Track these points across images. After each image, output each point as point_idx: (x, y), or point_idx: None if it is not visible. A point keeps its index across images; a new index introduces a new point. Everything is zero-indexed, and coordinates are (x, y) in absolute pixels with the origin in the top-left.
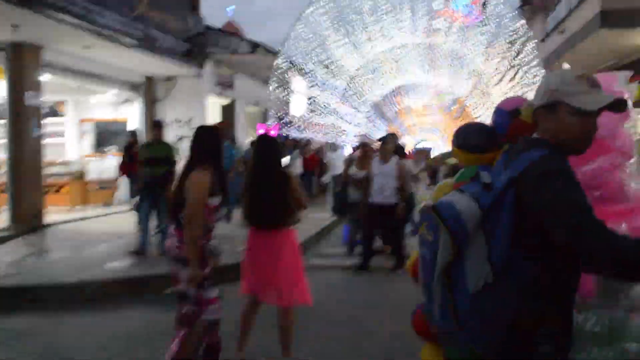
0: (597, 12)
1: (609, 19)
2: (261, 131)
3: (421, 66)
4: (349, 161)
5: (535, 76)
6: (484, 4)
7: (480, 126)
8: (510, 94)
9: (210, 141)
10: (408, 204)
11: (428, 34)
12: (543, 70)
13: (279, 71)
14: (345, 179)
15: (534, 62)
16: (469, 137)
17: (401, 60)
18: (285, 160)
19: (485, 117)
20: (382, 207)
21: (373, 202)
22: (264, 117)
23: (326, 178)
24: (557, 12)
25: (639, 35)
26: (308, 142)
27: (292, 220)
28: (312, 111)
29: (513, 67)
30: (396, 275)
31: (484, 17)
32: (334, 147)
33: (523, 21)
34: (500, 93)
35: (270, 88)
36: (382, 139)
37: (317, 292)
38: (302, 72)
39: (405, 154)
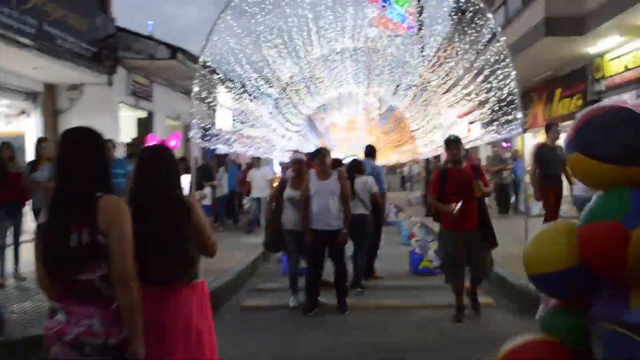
0: (541, 19)
1: (554, 26)
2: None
3: (356, 76)
4: (282, 182)
5: (504, 78)
6: (419, 12)
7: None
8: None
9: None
10: (377, 216)
11: (366, 41)
12: (514, 73)
13: (202, 72)
14: (276, 202)
15: (504, 62)
16: (613, 136)
17: (337, 68)
18: (185, 181)
19: (426, 130)
20: (324, 235)
21: (314, 228)
22: (187, 133)
23: (246, 201)
24: (496, 19)
25: (583, 43)
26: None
27: (191, 273)
28: (242, 122)
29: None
30: (346, 317)
31: (418, 25)
32: (257, 163)
33: (489, 14)
34: (451, 101)
35: (193, 92)
36: (317, 152)
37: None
38: (230, 76)
39: (362, 171)
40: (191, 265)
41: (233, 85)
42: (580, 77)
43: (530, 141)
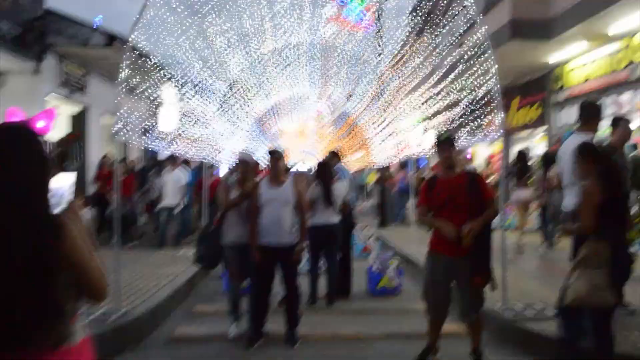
0: (507, 21)
1: (519, 28)
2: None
3: (311, 75)
4: (226, 186)
5: (482, 75)
6: (379, 15)
7: None
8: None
9: None
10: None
11: (322, 37)
12: (495, 67)
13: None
14: (226, 209)
15: (482, 56)
16: None
17: (291, 65)
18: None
19: (381, 137)
20: (274, 252)
21: (264, 244)
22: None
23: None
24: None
25: (547, 49)
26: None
27: (61, 333)
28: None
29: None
30: (296, 351)
31: (378, 24)
32: (171, 165)
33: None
34: (414, 104)
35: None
36: (271, 153)
37: None
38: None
39: (332, 177)
40: (60, 319)
41: (171, 75)
42: (540, 86)
43: (483, 151)
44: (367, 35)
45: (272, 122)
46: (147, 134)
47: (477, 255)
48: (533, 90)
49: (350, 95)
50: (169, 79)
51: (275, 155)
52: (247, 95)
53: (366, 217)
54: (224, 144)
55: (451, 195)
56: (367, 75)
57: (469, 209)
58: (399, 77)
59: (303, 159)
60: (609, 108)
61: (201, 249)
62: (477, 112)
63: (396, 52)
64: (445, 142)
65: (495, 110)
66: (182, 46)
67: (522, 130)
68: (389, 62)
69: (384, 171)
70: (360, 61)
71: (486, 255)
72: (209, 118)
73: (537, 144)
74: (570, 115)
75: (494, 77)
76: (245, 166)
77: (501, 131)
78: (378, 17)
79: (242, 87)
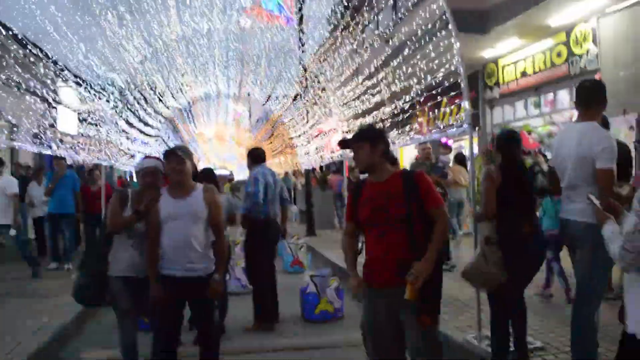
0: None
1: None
2: None
3: (226, 70)
4: (121, 199)
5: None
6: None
7: None
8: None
9: None
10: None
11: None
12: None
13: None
14: (111, 230)
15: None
16: None
17: (203, 57)
18: None
19: (308, 136)
20: (181, 287)
21: (167, 275)
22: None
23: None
24: (384, 17)
25: (482, 44)
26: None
27: None
28: (83, 120)
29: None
30: None
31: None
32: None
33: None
34: (347, 98)
35: None
36: (168, 154)
37: None
38: (45, 51)
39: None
40: None
41: (60, 67)
42: (470, 84)
43: (411, 153)
44: (288, 26)
45: (186, 124)
46: (40, 137)
47: (425, 295)
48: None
49: (270, 96)
50: (58, 74)
51: (175, 157)
52: (150, 91)
53: (293, 225)
54: (132, 148)
55: (378, 207)
56: (289, 69)
57: (408, 224)
58: (328, 70)
59: (224, 164)
60: (545, 106)
61: (81, 279)
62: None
63: (322, 43)
64: (355, 137)
65: (459, 99)
66: (59, 29)
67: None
68: (314, 54)
69: (308, 174)
70: (281, 54)
71: (437, 292)
72: (109, 118)
73: (468, 145)
74: (505, 113)
75: (456, 57)
76: (152, 176)
77: (466, 125)
78: (299, 7)
79: (144, 81)
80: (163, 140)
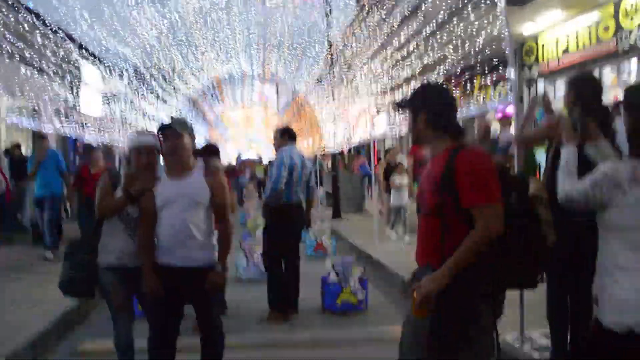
0: None
1: None
2: None
3: (247, 47)
4: (109, 180)
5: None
6: None
7: None
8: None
9: None
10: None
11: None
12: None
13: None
14: (101, 215)
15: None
16: None
17: (223, 33)
18: None
19: (336, 115)
20: (182, 275)
21: (163, 264)
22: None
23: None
24: None
25: (520, 17)
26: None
27: None
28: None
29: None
30: None
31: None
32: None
33: None
34: (377, 73)
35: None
36: (164, 128)
37: None
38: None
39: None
40: None
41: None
42: (506, 62)
43: None
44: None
45: (209, 106)
46: (62, 118)
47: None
48: (500, 66)
49: (297, 69)
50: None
51: (172, 131)
52: (168, 67)
53: (317, 208)
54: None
55: (421, 189)
56: (314, 45)
57: (441, 219)
58: (352, 45)
59: (251, 147)
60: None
61: (68, 269)
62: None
63: (348, 14)
64: (401, 102)
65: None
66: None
67: (488, 113)
68: (340, 29)
69: (335, 157)
70: (305, 28)
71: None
72: (128, 96)
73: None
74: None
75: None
76: (149, 155)
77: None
78: None
79: (160, 57)
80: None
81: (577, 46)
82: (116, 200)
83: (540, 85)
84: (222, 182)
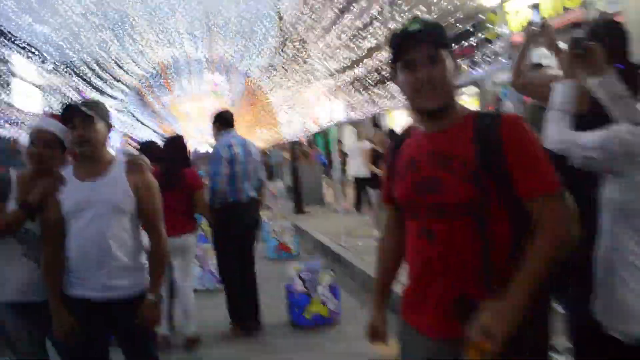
0: None
1: None
2: None
3: (191, 25)
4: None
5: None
6: None
7: None
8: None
9: None
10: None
11: None
12: None
13: None
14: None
15: None
16: None
17: (160, 10)
18: None
19: (291, 101)
20: (102, 310)
21: (75, 296)
22: None
23: None
24: None
25: None
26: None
27: None
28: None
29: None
30: None
31: None
32: None
33: None
34: (334, 45)
35: None
36: (68, 111)
37: None
38: None
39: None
40: None
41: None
42: (467, 37)
43: (401, 120)
44: None
45: (156, 97)
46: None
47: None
48: (458, 42)
49: (246, 49)
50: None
51: (80, 114)
52: (103, 54)
53: (278, 202)
54: None
55: (423, 182)
56: (264, 20)
57: (478, 221)
58: (305, 16)
59: (204, 140)
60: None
61: None
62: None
63: None
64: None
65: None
66: None
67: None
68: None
69: (294, 146)
70: (252, 7)
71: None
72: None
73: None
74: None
75: None
76: (43, 148)
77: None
78: None
79: (90, 40)
80: (130, 113)
81: (542, 17)
82: (7, 216)
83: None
84: (150, 182)
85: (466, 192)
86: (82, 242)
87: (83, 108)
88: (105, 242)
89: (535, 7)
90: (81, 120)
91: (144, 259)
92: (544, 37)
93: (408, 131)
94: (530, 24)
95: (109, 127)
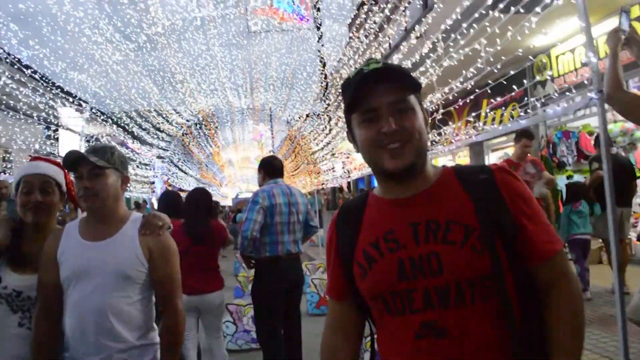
0: None
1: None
2: None
3: (232, 73)
4: None
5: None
6: (316, 6)
7: None
8: None
9: None
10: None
11: (246, 36)
12: None
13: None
14: None
15: None
16: None
17: (201, 58)
18: None
19: (333, 147)
20: None
21: None
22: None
23: None
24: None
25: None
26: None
27: None
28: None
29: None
30: None
31: (314, 18)
32: None
33: None
34: None
35: None
36: (71, 158)
37: None
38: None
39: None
40: None
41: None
42: (518, 80)
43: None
44: (302, 24)
45: (197, 144)
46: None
47: None
48: (506, 88)
49: (288, 98)
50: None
51: (87, 164)
52: (142, 102)
53: (319, 250)
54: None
55: (416, 261)
56: (305, 66)
57: (497, 294)
58: (350, 61)
59: (248, 188)
60: None
61: None
62: None
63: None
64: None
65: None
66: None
67: (498, 137)
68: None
69: (336, 193)
70: (295, 54)
71: None
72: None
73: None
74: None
75: None
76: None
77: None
78: (317, 8)
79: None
80: (172, 161)
81: (599, 56)
82: None
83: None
84: (166, 245)
85: (480, 262)
86: (78, 320)
87: (92, 157)
88: (106, 320)
89: (626, 11)
90: (89, 170)
91: (154, 337)
92: (633, 44)
93: (363, 199)
94: (618, 29)
95: (125, 178)
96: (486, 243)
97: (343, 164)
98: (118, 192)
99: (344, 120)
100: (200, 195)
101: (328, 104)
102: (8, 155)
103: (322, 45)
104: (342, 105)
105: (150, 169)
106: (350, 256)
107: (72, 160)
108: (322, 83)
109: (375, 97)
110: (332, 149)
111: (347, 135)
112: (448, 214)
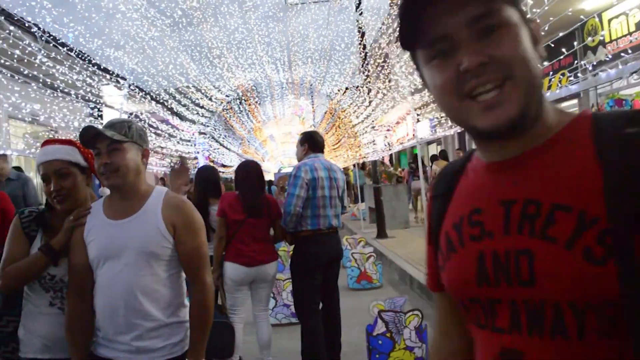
0: None
1: None
2: None
3: (270, 48)
4: (23, 227)
5: None
6: None
7: None
8: None
9: None
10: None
11: (282, 8)
12: None
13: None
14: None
15: None
16: None
17: (238, 32)
18: None
19: (374, 119)
20: None
21: (104, 357)
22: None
23: None
24: None
25: None
26: None
27: None
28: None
29: None
30: None
31: None
32: None
33: None
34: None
35: None
36: (87, 134)
37: None
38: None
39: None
40: None
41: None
42: (565, 46)
43: None
44: None
45: (238, 118)
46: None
47: None
48: (555, 53)
49: (327, 70)
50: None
51: (104, 140)
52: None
53: (359, 225)
54: (173, 147)
55: (501, 259)
56: (343, 37)
57: (618, 333)
58: (389, 29)
59: (290, 163)
60: None
61: None
62: None
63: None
64: None
65: None
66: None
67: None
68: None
69: (377, 166)
70: (332, 25)
71: None
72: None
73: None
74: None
75: None
76: (53, 177)
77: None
78: None
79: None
80: (213, 137)
81: None
82: (28, 262)
83: None
84: (192, 220)
85: (597, 278)
86: (108, 299)
87: (108, 132)
88: (134, 300)
89: None
90: (107, 145)
91: (184, 314)
92: None
93: (464, 161)
94: None
95: (145, 151)
96: (614, 247)
97: (385, 137)
98: (139, 166)
99: (386, 88)
100: (252, 168)
101: (367, 76)
102: (54, 134)
103: (361, 14)
104: (406, 72)
105: (192, 145)
106: (437, 237)
107: (89, 137)
108: (360, 54)
109: (446, 17)
110: (372, 121)
111: (420, 74)
112: (557, 192)
